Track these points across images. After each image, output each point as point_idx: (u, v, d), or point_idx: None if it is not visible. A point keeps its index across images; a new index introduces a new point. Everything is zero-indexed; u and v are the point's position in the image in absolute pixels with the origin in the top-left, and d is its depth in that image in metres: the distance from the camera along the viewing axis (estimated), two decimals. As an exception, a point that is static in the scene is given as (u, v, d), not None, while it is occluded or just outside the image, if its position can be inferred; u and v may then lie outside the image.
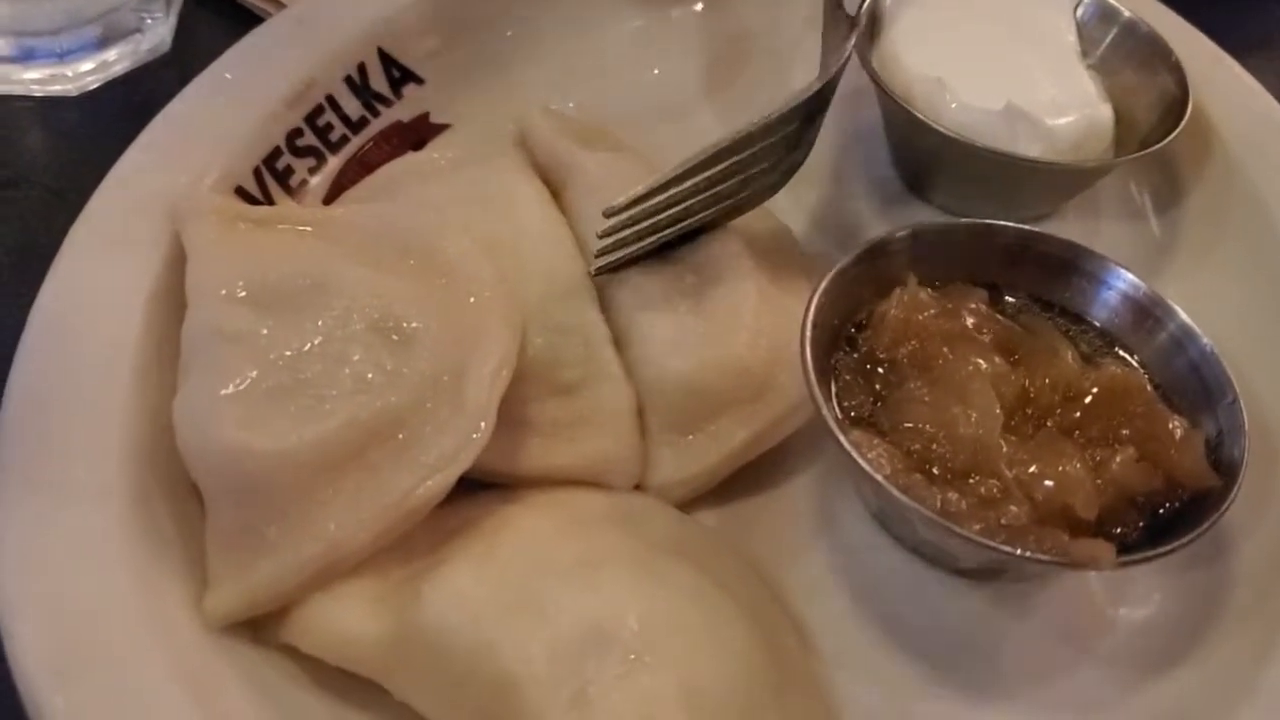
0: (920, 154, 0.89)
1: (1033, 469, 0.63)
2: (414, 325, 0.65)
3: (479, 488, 0.67)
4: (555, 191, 0.81)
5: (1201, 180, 0.90)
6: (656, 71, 0.96)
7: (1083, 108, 0.85)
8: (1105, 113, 0.86)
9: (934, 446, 0.64)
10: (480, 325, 0.65)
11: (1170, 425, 0.66)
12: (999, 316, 0.72)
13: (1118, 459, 0.64)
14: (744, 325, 0.71)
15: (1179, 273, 0.86)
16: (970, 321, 0.70)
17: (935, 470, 0.64)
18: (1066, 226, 0.88)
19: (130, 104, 0.90)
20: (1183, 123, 0.84)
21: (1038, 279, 0.75)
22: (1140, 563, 0.62)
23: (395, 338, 0.64)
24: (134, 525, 0.62)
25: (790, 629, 0.66)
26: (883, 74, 0.86)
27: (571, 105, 0.90)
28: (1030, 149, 0.82)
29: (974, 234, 0.75)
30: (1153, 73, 0.89)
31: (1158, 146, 0.84)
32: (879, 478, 0.63)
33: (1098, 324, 0.74)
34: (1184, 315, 0.72)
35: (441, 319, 0.65)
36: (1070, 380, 0.68)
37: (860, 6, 0.87)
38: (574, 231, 0.78)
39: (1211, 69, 0.92)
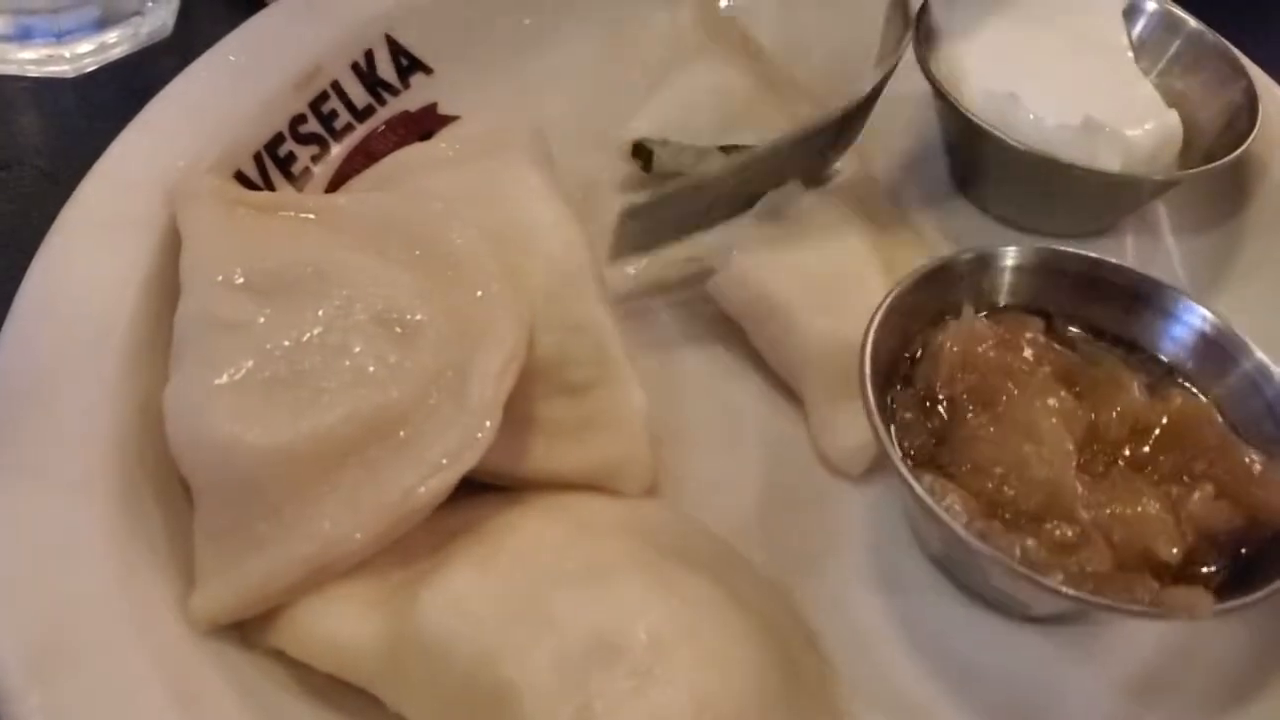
0: (984, 166, 0.86)
1: (1109, 510, 0.60)
2: (418, 318, 0.62)
3: (482, 489, 0.64)
4: None
5: (1266, 192, 0.87)
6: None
7: (1155, 116, 0.82)
8: (1174, 120, 0.83)
9: (1005, 489, 0.61)
10: (487, 320, 0.62)
11: (1247, 459, 0.63)
12: (1058, 346, 0.68)
13: (1196, 496, 0.61)
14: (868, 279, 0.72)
15: (1235, 287, 0.83)
16: (1030, 353, 0.67)
17: (1008, 514, 0.61)
18: (1123, 240, 0.87)
19: (128, 88, 0.87)
20: (1255, 131, 0.81)
21: (1104, 309, 0.71)
22: (1238, 609, 0.58)
23: (398, 330, 0.62)
24: (119, 518, 0.59)
25: (809, 646, 0.63)
26: (947, 87, 0.83)
27: (581, 99, 0.88)
28: (1111, 162, 0.79)
29: (1040, 260, 0.72)
30: (1215, 80, 0.86)
31: (1235, 154, 0.80)
32: (958, 529, 0.59)
33: (1164, 358, 0.70)
34: (1260, 354, 0.68)
35: (447, 312, 0.63)
36: (1138, 413, 0.64)
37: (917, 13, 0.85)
38: None
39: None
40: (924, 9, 0.87)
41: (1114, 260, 0.72)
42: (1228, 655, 0.66)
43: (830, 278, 0.74)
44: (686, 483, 0.70)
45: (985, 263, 0.72)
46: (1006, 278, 0.72)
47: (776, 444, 0.73)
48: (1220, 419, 0.66)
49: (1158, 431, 0.64)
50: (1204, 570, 0.61)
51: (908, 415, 0.65)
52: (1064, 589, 0.57)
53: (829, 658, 0.63)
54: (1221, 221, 0.87)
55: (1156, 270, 0.78)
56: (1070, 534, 0.59)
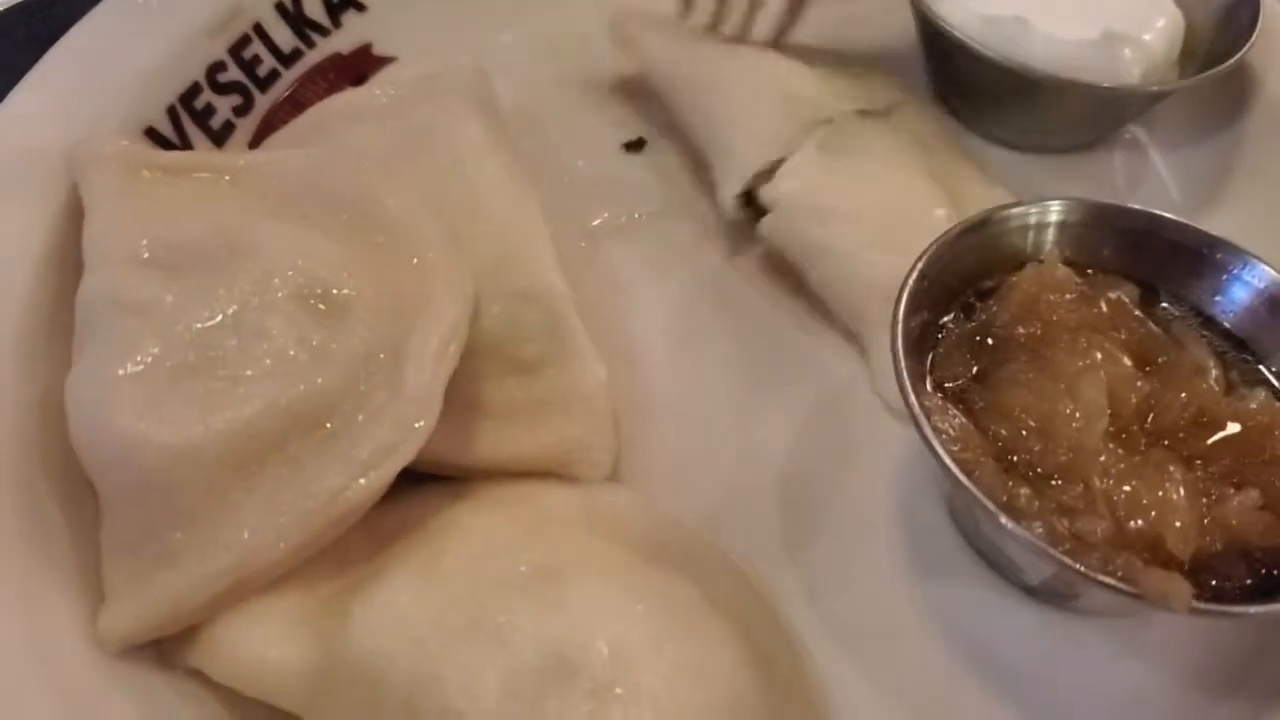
0: (961, 81, 0.81)
1: (1128, 486, 0.54)
2: (345, 292, 0.57)
3: (423, 481, 0.58)
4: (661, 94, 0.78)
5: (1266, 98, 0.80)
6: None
7: (1161, 13, 0.77)
8: (1179, 15, 0.78)
9: (1024, 435, 0.56)
10: (424, 292, 0.57)
11: None
12: (1143, 318, 0.63)
13: (1236, 501, 0.55)
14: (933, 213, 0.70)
15: (1234, 203, 0.78)
16: (1107, 314, 0.61)
17: (1017, 460, 0.56)
18: (1111, 154, 0.82)
19: (35, 34, 0.80)
20: (1257, 30, 0.75)
21: (1221, 297, 0.65)
22: (1218, 616, 0.52)
23: (323, 308, 0.57)
24: (16, 527, 0.55)
25: (789, 647, 0.58)
26: (945, 13, 0.77)
27: (528, 34, 0.82)
28: (1132, 72, 0.75)
29: (1127, 221, 0.66)
30: None
31: (1235, 59, 0.74)
32: (939, 448, 0.55)
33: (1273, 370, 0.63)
34: None
35: (378, 285, 0.57)
36: (1206, 405, 0.58)
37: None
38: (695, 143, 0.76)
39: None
40: None
41: (1257, 259, 0.64)
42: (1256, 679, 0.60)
43: (892, 212, 0.70)
44: (653, 466, 0.65)
45: (1078, 217, 0.66)
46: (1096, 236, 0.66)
47: (751, 419, 0.67)
48: None
49: (1223, 431, 0.58)
50: (1221, 580, 0.54)
51: (953, 344, 0.61)
52: (1033, 539, 0.52)
53: (812, 659, 0.58)
54: (1216, 131, 0.81)
55: (1147, 186, 0.76)
56: (1072, 498, 0.54)
